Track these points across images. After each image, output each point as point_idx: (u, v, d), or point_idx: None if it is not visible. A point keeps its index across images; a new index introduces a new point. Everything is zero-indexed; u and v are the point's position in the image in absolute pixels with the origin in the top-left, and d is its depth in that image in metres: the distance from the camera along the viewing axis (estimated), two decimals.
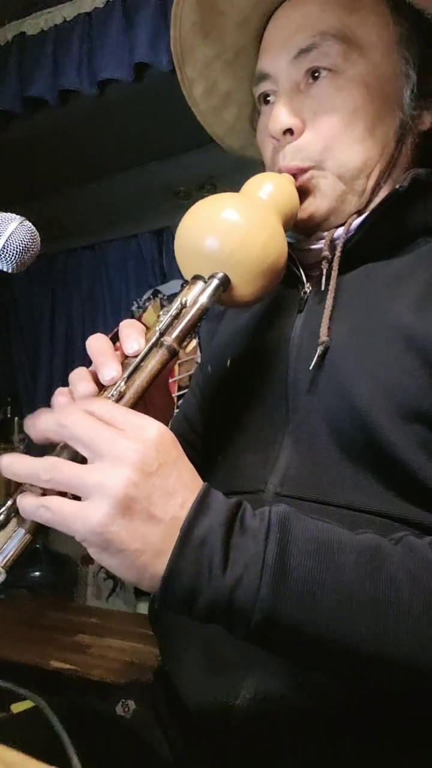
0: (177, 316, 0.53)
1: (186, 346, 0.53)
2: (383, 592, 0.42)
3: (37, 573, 2.12)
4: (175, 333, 0.52)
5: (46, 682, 1.60)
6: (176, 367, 2.07)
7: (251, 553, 0.43)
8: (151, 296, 2.24)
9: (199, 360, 2.07)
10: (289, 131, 0.63)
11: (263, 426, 0.63)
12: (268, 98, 0.68)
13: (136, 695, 0.69)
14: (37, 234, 0.57)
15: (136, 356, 0.51)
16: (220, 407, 0.70)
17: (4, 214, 0.55)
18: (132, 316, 2.25)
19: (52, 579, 2.12)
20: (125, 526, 0.42)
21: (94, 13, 1.61)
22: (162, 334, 0.52)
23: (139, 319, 2.25)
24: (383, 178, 0.64)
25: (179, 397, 2.07)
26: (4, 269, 0.56)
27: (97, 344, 0.53)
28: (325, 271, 0.63)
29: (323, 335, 0.58)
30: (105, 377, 0.51)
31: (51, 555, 2.15)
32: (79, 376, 0.52)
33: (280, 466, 0.59)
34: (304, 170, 0.64)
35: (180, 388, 2.07)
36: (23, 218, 0.56)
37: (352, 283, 0.63)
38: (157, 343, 0.52)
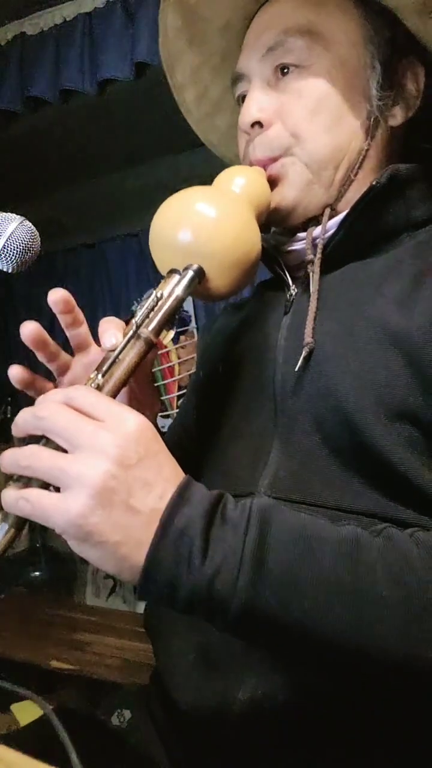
0: (153, 309, 0.54)
1: (164, 338, 0.53)
2: (361, 583, 0.43)
3: (37, 572, 2.13)
4: (152, 325, 0.53)
5: (44, 680, 1.60)
6: (176, 367, 2.07)
7: (230, 544, 0.43)
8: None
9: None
10: (258, 124, 0.65)
11: (253, 429, 0.63)
12: (244, 97, 0.68)
13: (131, 703, 0.69)
14: (37, 234, 0.57)
15: (114, 350, 0.52)
16: (212, 411, 0.70)
17: (4, 214, 0.56)
18: (133, 315, 2.25)
19: (52, 577, 2.13)
20: (104, 518, 0.42)
21: (95, 13, 1.61)
22: (138, 327, 0.53)
23: None
24: (352, 170, 0.65)
25: (179, 397, 2.07)
26: (5, 269, 0.56)
27: (106, 321, 0.56)
28: (310, 271, 0.64)
29: (308, 337, 0.58)
30: (106, 343, 0.53)
31: (50, 553, 2.15)
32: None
33: (270, 468, 0.60)
34: (274, 159, 0.65)
35: (180, 388, 2.07)
36: (23, 218, 0.56)
37: (336, 282, 0.63)
38: (134, 336, 0.52)
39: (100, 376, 0.50)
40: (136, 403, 0.61)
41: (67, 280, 2.46)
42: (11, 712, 1.35)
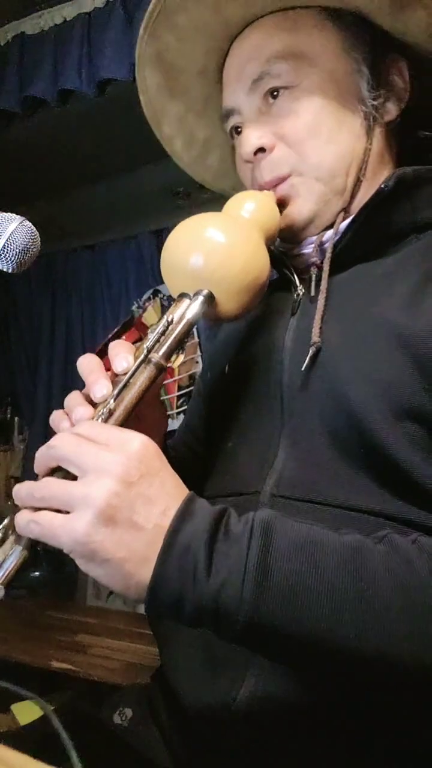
0: (164, 333, 0.55)
1: (174, 361, 0.54)
2: (365, 591, 0.43)
3: (37, 573, 2.12)
4: (162, 350, 0.54)
5: (45, 681, 1.60)
6: (176, 367, 2.07)
7: (234, 558, 0.43)
8: (151, 296, 2.24)
9: (198, 359, 2.08)
10: (261, 150, 0.66)
11: (260, 428, 0.64)
12: (239, 129, 0.70)
13: (133, 702, 0.69)
14: (38, 234, 0.57)
15: (125, 374, 0.53)
16: (219, 411, 0.71)
17: (4, 214, 0.56)
18: (132, 317, 2.25)
19: (52, 579, 2.12)
20: (109, 535, 0.43)
21: (94, 13, 1.61)
22: (149, 351, 0.54)
23: (139, 320, 2.26)
24: (362, 172, 0.66)
25: (179, 397, 2.07)
26: (5, 269, 0.56)
27: (87, 363, 0.55)
28: (315, 275, 0.65)
29: (315, 337, 0.59)
30: (96, 395, 0.53)
31: (51, 555, 2.14)
32: (74, 401, 0.54)
33: (276, 467, 0.60)
34: (283, 178, 0.66)
35: (180, 388, 2.07)
36: (23, 218, 0.56)
37: (344, 284, 0.63)
38: (145, 360, 0.53)
39: (111, 400, 0.51)
40: (145, 424, 0.61)
41: (66, 281, 2.46)
42: (11, 712, 1.34)
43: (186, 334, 0.56)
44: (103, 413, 0.51)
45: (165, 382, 2.08)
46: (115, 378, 0.54)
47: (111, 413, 0.51)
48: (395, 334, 0.55)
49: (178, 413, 2.06)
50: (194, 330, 2.08)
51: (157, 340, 0.54)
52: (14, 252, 0.55)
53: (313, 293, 0.65)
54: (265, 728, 0.53)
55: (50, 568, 2.12)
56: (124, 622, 1.85)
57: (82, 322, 2.42)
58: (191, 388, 2.04)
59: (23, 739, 0.63)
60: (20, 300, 2.57)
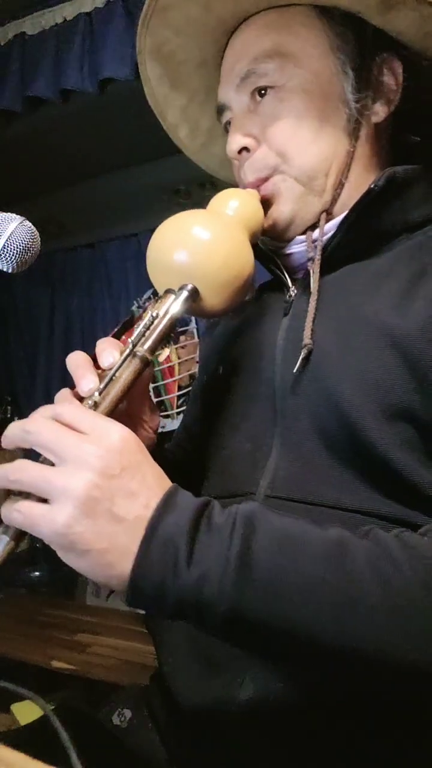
0: (149, 328, 0.56)
1: (159, 355, 0.55)
2: (346, 585, 0.43)
3: (37, 572, 2.12)
4: (147, 344, 0.55)
5: (44, 680, 1.60)
6: (176, 367, 2.07)
7: (216, 549, 0.44)
8: (152, 295, 2.24)
9: (198, 359, 2.07)
10: (245, 149, 0.67)
11: (253, 429, 0.64)
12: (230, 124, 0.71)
13: (132, 703, 0.69)
14: (37, 234, 0.57)
15: (112, 369, 0.53)
16: (213, 413, 0.71)
17: (4, 214, 0.56)
18: (132, 316, 2.25)
19: (52, 578, 2.12)
20: (89, 527, 0.43)
21: (95, 13, 1.61)
22: (135, 345, 0.54)
23: (139, 319, 2.26)
24: (343, 174, 0.66)
25: (179, 397, 2.07)
26: (5, 269, 0.56)
27: (75, 360, 0.56)
28: (307, 275, 0.65)
29: (306, 338, 0.59)
30: (83, 389, 0.53)
31: (50, 554, 2.14)
32: (62, 397, 0.54)
33: (269, 468, 0.60)
34: (264, 179, 0.67)
35: (180, 388, 2.07)
36: (23, 218, 0.56)
37: (335, 283, 0.63)
38: (131, 354, 0.54)
39: (96, 393, 0.52)
40: (136, 419, 0.62)
41: (66, 280, 2.46)
42: (11, 712, 1.34)
43: (171, 328, 0.57)
44: (89, 405, 0.51)
45: (165, 382, 2.08)
46: (102, 373, 0.54)
47: (96, 405, 0.51)
48: (386, 334, 0.55)
49: (178, 413, 2.06)
50: (194, 330, 2.08)
51: (143, 335, 0.55)
52: (14, 252, 0.55)
53: (304, 293, 0.65)
54: (264, 729, 0.53)
55: (50, 567, 2.13)
56: (123, 622, 1.85)
57: (82, 321, 2.42)
58: (191, 387, 2.04)
59: (23, 739, 0.63)
60: (20, 299, 2.56)
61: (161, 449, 0.78)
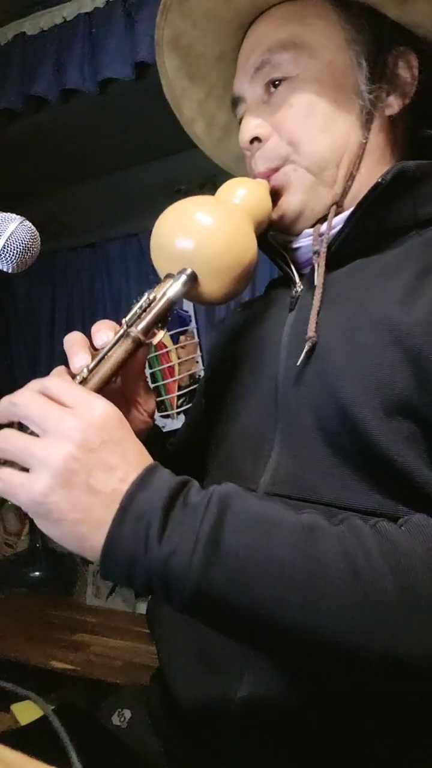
0: (145, 309, 0.56)
1: (152, 337, 0.57)
2: (313, 569, 0.43)
3: (37, 572, 2.12)
4: (141, 324, 0.55)
5: (44, 680, 1.60)
6: (176, 367, 2.07)
7: (188, 526, 0.44)
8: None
9: (198, 359, 2.07)
10: (256, 139, 0.67)
11: (256, 425, 0.64)
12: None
13: (132, 703, 0.69)
14: (38, 234, 0.57)
15: (105, 348, 0.55)
16: (217, 408, 0.71)
17: (4, 214, 0.56)
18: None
19: (52, 578, 2.13)
20: (65, 497, 0.44)
21: (95, 13, 1.61)
22: (129, 326, 0.55)
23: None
24: (354, 166, 0.65)
25: (179, 397, 2.07)
26: (5, 269, 0.56)
27: (70, 339, 0.57)
28: (315, 265, 0.64)
29: (311, 331, 0.59)
30: (75, 365, 0.54)
31: (51, 554, 2.15)
32: (56, 373, 0.56)
33: (271, 464, 0.60)
34: (275, 169, 0.66)
35: (180, 388, 2.07)
36: (23, 218, 0.56)
37: (342, 279, 0.63)
38: (124, 334, 0.55)
39: (85, 370, 0.53)
40: (127, 402, 0.62)
41: (67, 280, 2.46)
42: (11, 712, 1.34)
43: (166, 311, 0.57)
44: (78, 381, 0.52)
45: (165, 382, 2.08)
46: (96, 353, 0.55)
47: (85, 381, 0.52)
48: (389, 330, 0.55)
49: (178, 413, 2.06)
50: (194, 330, 2.08)
51: (138, 316, 0.56)
52: (14, 252, 0.55)
53: (310, 289, 0.64)
54: (264, 728, 0.53)
55: (50, 566, 2.13)
56: (123, 622, 1.85)
57: (83, 321, 2.42)
58: (191, 387, 2.04)
59: (23, 739, 0.63)
60: (21, 298, 2.56)
61: (164, 443, 0.78)
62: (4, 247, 0.54)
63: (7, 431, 0.48)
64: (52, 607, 1.99)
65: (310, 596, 0.42)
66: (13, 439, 0.47)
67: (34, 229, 0.57)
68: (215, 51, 0.74)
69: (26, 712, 1.32)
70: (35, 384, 0.50)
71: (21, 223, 0.55)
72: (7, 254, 0.55)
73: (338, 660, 0.43)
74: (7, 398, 0.49)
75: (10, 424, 0.49)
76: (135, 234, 2.25)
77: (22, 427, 0.48)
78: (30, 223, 0.56)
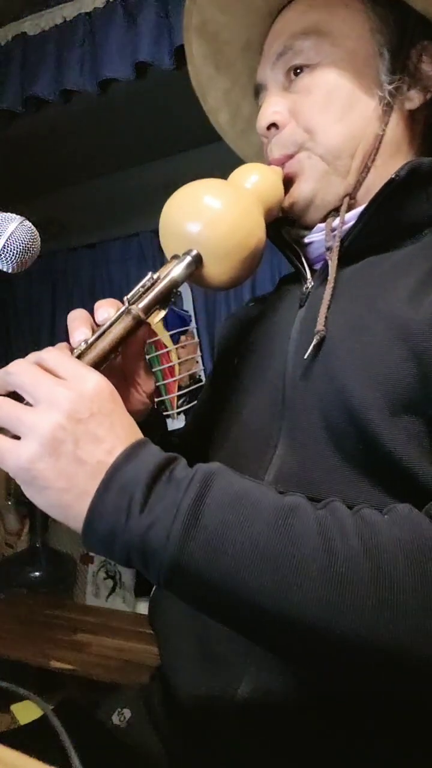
0: (148, 288, 0.57)
1: (153, 316, 0.57)
2: (288, 550, 0.43)
3: (37, 572, 2.12)
4: (143, 303, 0.56)
5: (44, 680, 1.60)
6: (176, 367, 2.07)
7: (169, 500, 0.44)
8: None
9: (198, 359, 2.07)
10: (273, 126, 0.67)
11: (261, 421, 0.64)
12: None
13: (131, 702, 0.69)
14: (37, 234, 0.57)
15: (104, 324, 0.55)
16: (224, 403, 0.71)
17: (4, 214, 0.56)
18: None
19: (52, 578, 2.13)
20: (51, 465, 0.45)
21: (95, 13, 1.61)
22: (130, 304, 0.56)
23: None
24: (369, 157, 0.65)
25: (179, 397, 2.07)
26: (4, 269, 0.56)
27: (74, 314, 0.57)
28: (327, 265, 0.64)
29: (320, 325, 0.59)
30: (74, 340, 0.55)
31: (50, 554, 2.15)
32: (57, 347, 0.55)
33: (275, 461, 0.60)
34: (290, 156, 0.66)
35: (180, 388, 2.07)
36: (23, 218, 0.56)
37: (353, 275, 0.63)
38: (125, 312, 0.55)
39: (83, 344, 0.54)
40: (127, 381, 0.63)
41: (67, 280, 2.46)
42: (11, 712, 1.35)
43: (169, 290, 0.57)
44: (76, 355, 0.53)
45: (165, 382, 2.08)
46: (97, 329, 0.56)
47: (82, 355, 0.53)
48: (396, 327, 0.54)
49: (179, 413, 2.06)
50: (194, 330, 2.08)
51: (140, 294, 0.56)
52: (14, 252, 0.55)
53: (321, 285, 0.64)
54: (265, 724, 0.53)
55: (50, 566, 2.13)
56: (123, 622, 1.85)
57: None
58: (191, 387, 2.04)
59: (23, 739, 0.63)
60: (21, 299, 2.56)
61: (168, 437, 0.78)
62: (4, 247, 0.55)
63: (0, 399, 0.48)
64: (52, 607, 1.99)
65: (281, 576, 0.42)
66: (5, 406, 0.47)
67: (34, 229, 0.57)
68: (242, 39, 0.74)
69: (26, 712, 1.32)
70: (32, 356, 0.51)
71: (21, 223, 0.55)
72: (7, 254, 0.55)
73: (312, 641, 0.43)
74: (3, 369, 0.50)
75: (10, 396, 0.50)
76: (135, 234, 2.25)
77: (20, 399, 0.49)
78: (30, 223, 0.56)
